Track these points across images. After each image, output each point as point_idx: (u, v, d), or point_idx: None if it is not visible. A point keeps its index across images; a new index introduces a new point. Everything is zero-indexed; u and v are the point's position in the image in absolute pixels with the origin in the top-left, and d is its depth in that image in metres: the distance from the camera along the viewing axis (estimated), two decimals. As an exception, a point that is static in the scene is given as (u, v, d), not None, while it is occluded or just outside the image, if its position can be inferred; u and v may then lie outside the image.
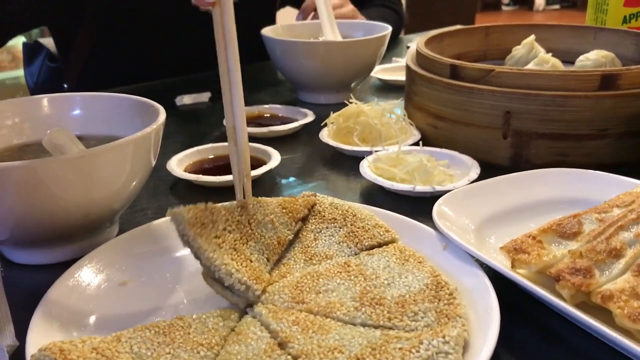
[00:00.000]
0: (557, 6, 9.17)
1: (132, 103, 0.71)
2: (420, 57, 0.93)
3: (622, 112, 0.76)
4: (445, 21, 6.25)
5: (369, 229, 0.57)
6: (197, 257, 0.51)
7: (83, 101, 0.73)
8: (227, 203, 0.56)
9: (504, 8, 9.51)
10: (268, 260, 0.54)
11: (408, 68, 0.95)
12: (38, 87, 1.47)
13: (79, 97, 0.73)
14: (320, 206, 0.61)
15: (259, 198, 0.58)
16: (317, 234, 0.58)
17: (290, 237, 0.57)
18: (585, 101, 0.75)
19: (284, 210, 0.58)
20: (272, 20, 1.51)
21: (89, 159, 0.54)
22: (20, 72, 4.21)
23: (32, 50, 1.51)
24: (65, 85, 1.37)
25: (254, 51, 1.51)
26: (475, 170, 0.75)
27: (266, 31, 1.15)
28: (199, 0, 0.51)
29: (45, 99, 0.73)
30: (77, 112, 0.73)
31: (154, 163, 0.65)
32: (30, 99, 0.73)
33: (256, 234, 0.55)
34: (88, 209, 0.57)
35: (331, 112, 0.92)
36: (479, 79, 0.81)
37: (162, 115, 0.65)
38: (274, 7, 1.54)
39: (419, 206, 0.69)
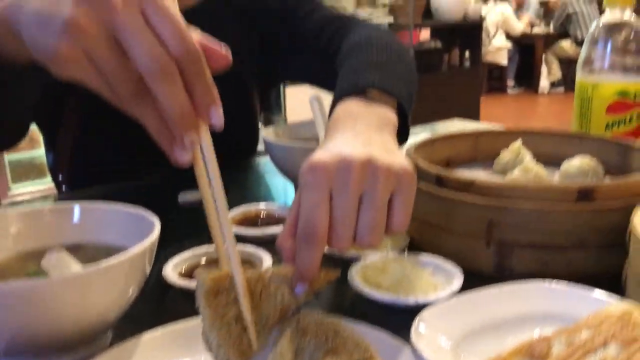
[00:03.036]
0: (561, 89, 9.37)
1: (128, 213, 0.75)
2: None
3: (601, 225, 0.79)
4: (452, 104, 6.39)
5: (349, 348, 0.59)
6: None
7: (82, 210, 0.77)
8: (251, 271, 0.62)
9: (509, 91, 9.73)
10: (263, 328, 0.60)
11: (398, 173, 0.99)
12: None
13: (78, 207, 0.77)
14: (303, 322, 0.63)
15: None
16: (297, 354, 0.60)
17: (294, 306, 0.62)
18: (564, 214, 0.78)
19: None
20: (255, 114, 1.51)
21: (83, 279, 0.57)
22: (36, 153, 4.36)
23: None
24: (60, 177, 1.38)
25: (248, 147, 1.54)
26: (458, 280, 0.77)
27: (267, 133, 1.21)
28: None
29: (47, 209, 0.77)
30: (76, 220, 0.77)
31: (148, 272, 0.68)
32: (34, 209, 0.77)
33: (262, 306, 0.60)
34: (81, 323, 0.60)
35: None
36: (462, 189, 0.85)
37: (157, 228, 0.68)
38: (253, 104, 1.49)
39: (404, 316, 0.71)
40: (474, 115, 6.43)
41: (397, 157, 0.65)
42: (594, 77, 1.11)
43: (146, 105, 0.53)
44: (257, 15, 1.37)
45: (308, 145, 1.16)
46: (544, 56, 9.25)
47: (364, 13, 5.13)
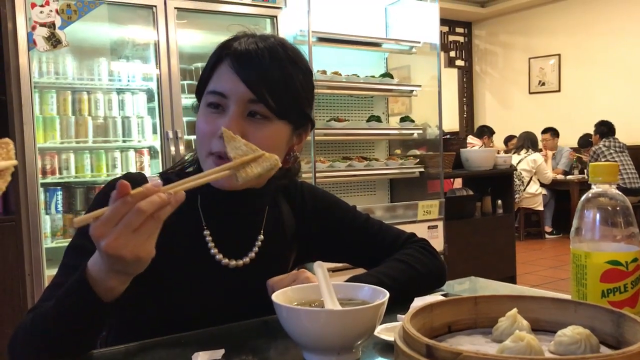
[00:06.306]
0: (600, 234, 9.21)
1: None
2: (403, 331, 1.01)
3: (583, 400, 0.81)
4: (487, 251, 6.35)
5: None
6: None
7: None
8: None
9: (547, 237, 9.65)
10: None
11: (395, 342, 1.03)
12: None
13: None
14: None
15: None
16: None
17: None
18: (545, 389, 0.81)
19: None
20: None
21: None
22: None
23: None
24: None
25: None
26: None
27: (276, 295, 1.27)
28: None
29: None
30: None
31: None
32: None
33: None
34: None
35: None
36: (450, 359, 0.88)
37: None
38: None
39: None
40: (510, 261, 6.38)
41: None
42: (586, 246, 1.17)
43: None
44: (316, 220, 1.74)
45: (311, 308, 1.22)
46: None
47: (395, 164, 5.33)
